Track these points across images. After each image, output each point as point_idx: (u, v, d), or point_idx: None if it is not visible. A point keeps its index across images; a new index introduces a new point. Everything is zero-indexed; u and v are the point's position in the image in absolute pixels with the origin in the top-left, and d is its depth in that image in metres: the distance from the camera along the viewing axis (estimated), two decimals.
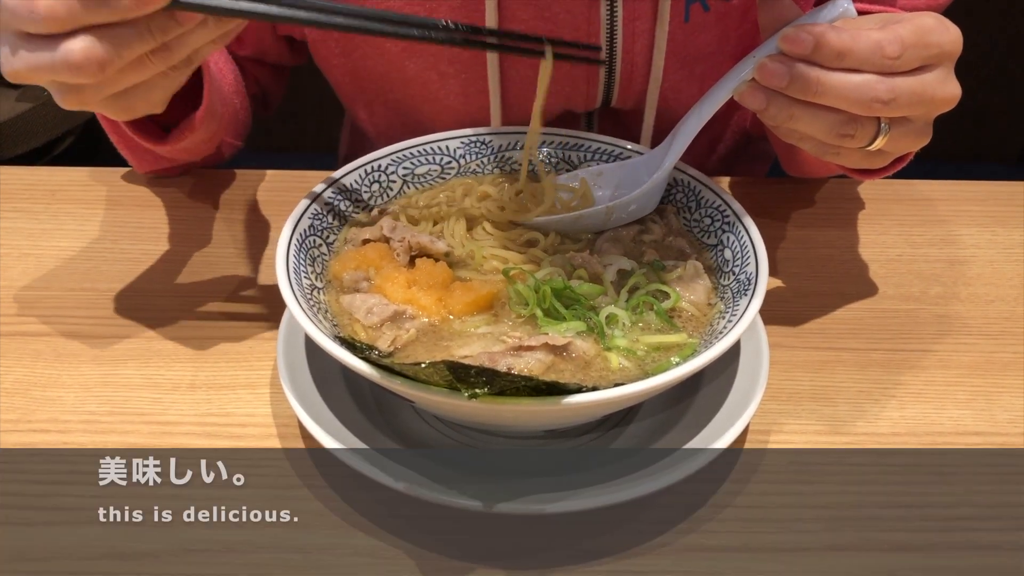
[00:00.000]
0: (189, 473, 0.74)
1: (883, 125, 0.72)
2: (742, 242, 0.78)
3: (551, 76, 0.81)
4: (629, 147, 0.90)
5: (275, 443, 0.77)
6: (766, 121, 0.73)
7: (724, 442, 0.71)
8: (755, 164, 1.23)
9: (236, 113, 1.03)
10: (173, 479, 0.73)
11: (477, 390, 0.59)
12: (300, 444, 0.77)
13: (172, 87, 0.74)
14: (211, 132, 0.94)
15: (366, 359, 0.64)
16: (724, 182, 1.09)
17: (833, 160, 0.78)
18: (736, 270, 0.77)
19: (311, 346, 0.78)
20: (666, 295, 0.76)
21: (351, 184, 0.85)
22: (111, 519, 0.70)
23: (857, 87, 0.69)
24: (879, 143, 0.73)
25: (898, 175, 0.82)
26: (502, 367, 0.68)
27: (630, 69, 0.98)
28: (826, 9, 0.73)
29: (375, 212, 0.86)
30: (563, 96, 1.00)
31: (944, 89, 0.72)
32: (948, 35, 0.71)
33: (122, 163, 1.14)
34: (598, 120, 1.06)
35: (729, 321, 0.72)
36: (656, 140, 1.03)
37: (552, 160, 0.92)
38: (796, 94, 0.70)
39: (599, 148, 0.91)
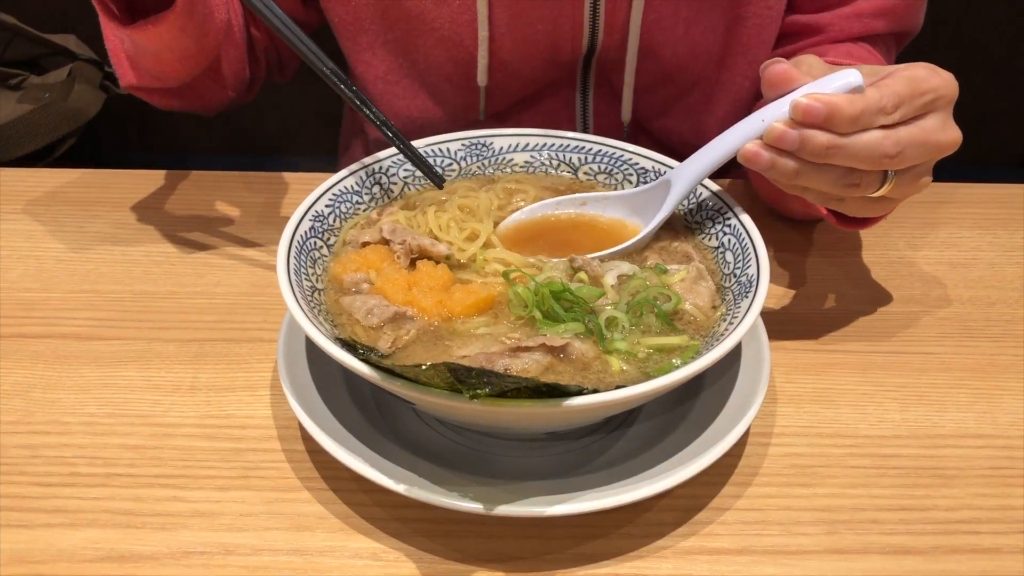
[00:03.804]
0: (190, 475, 0.74)
1: (890, 173, 0.75)
2: (743, 244, 0.78)
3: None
4: (630, 149, 0.90)
5: (275, 445, 0.77)
6: (769, 176, 0.75)
7: (725, 445, 0.71)
8: None
9: (218, 48, 1.02)
10: (173, 480, 0.74)
11: (478, 391, 0.59)
12: (300, 446, 0.76)
13: None
14: (180, 45, 0.94)
15: (366, 360, 0.64)
16: (724, 184, 1.09)
17: (837, 208, 0.79)
18: (737, 272, 0.77)
19: (311, 348, 0.78)
20: (668, 298, 0.75)
21: (352, 186, 0.85)
22: (111, 521, 0.70)
23: (866, 146, 0.71)
24: (884, 190, 0.75)
25: None
26: (499, 367, 0.68)
27: (614, 3, 1.00)
28: (835, 78, 0.73)
29: (375, 214, 0.85)
30: (548, 34, 1.03)
31: (945, 135, 0.74)
32: (940, 79, 0.74)
33: (123, 164, 1.14)
34: (595, 82, 1.08)
35: (730, 323, 0.71)
36: (639, 93, 1.07)
37: (553, 163, 0.92)
38: (807, 157, 0.72)
39: (600, 151, 0.91)
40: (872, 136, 0.71)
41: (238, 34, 1.06)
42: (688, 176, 0.82)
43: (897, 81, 0.72)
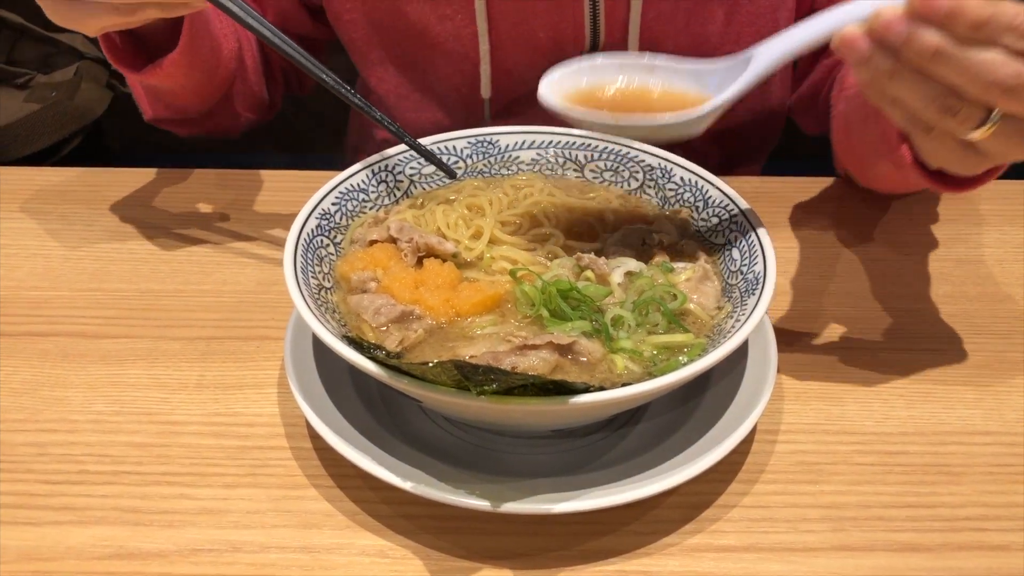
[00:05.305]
0: (197, 473, 0.74)
1: (994, 113, 0.62)
2: (749, 241, 0.78)
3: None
4: (635, 147, 0.89)
5: (282, 443, 0.77)
6: (859, 77, 0.65)
7: (731, 442, 0.71)
8: (755, 155, 1.24)
9: (232, 76, 1.04)
10: (181, 478, 0.74)
11: (485, 388, 0.59)
12: (307, 444, 0.77)
13: (110, 25, 0.83)
14: (192, 81, 0.98)
15: (373, 358, 0.64)
16: (730, 180, 1.09)
17: (920, 141, 0.70)
18: (744, 269, 0.77)
19: (318, 346, 0.79)
20: (674, 297, 0.75)
21: (358, 184, 0.85)
22: (119, 519, 0.70)
23: (979, 64, 0.59)
24: (982, 132, 0.63)
25: None
26: (506, 366, 0.68)
27: (613, 1, 1.00)
28: None
29: (382, 212, 0.86)
30: (551, 40, 1.03)
31: None
32: None
33: (129, 163, 1.14)
34: None
35: (737, 321, 0.71)
36: None
37: (559, 160, 0.92)
38: (911, 56, 0.61)
39: (605, 148, 0.90)
40: (991, 56, 0.59)
41: (251, 60, 1.07)
42: (771, 53, 0.71)
43: None
